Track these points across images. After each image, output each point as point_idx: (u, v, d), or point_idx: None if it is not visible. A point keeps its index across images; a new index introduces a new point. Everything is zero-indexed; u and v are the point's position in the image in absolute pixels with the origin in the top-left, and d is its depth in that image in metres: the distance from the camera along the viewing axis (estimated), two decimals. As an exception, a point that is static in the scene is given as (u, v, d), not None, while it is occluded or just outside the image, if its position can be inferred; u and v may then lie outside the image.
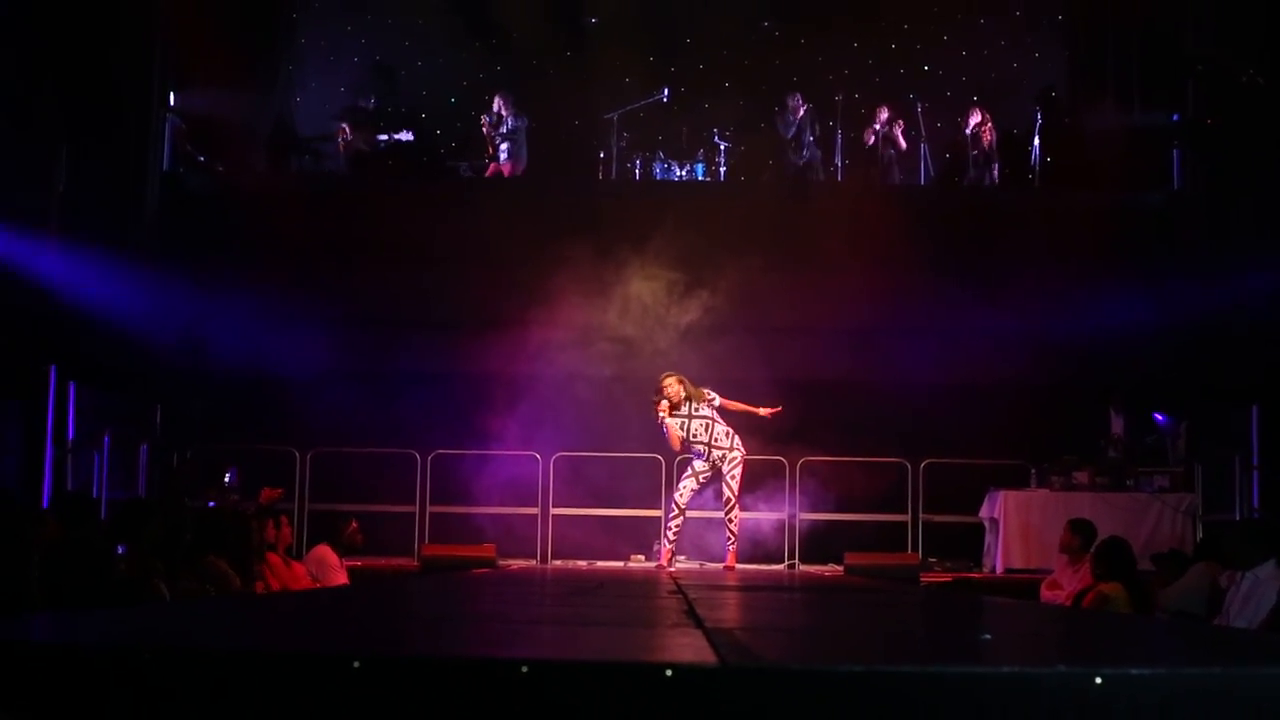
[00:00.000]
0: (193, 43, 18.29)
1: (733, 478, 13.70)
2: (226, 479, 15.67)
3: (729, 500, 13.75)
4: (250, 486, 15.48)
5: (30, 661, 3.07)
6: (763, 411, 13.97)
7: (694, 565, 15.11)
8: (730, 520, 13.82)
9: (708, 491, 14.75)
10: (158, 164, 18.21)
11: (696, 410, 13.64)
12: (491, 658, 3.14)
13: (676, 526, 13.97)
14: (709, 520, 15.86)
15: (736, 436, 13.83)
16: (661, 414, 13.56)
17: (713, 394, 13.80)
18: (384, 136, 19.95)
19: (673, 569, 13.49)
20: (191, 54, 18.42)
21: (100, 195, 17.09)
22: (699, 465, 13.79)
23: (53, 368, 14.75)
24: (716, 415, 13.73)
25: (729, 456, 13.69)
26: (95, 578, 7.82)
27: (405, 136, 19.99)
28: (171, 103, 18.82)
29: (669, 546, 14.03)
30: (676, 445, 13.74)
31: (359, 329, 17.68)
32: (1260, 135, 17.19)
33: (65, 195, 16.82)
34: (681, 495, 13.87)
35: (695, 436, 13.66)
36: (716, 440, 13.69)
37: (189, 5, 18.09)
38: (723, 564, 13.99)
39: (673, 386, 13.63)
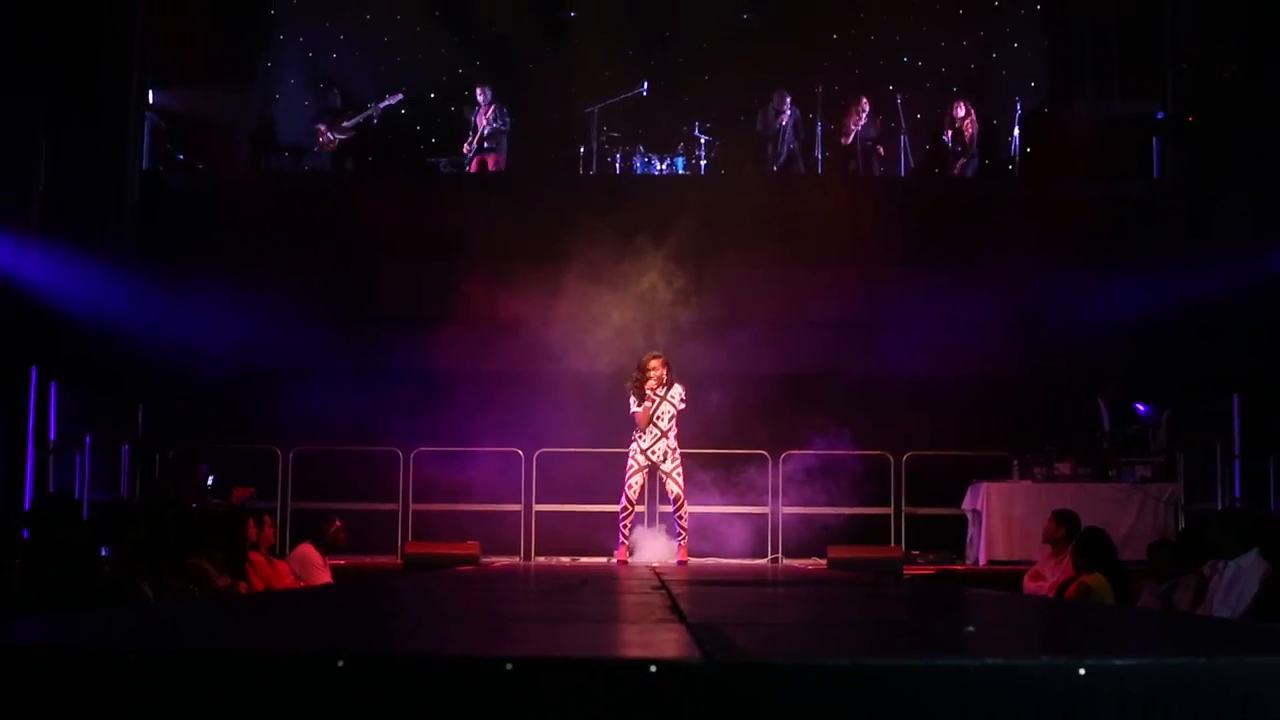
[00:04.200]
0: (171, 41, 18.29)
1: (678, 474, 14.02)
2: (210, 481, 15.64)
3: (678, 498, 14.05)
4: (227, 485, 15.49)
5: (14, 664, 3.06)
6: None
7: (708, 562, 15.21)
8: (681, 517, 14.12)
9: (710, 488, 15.15)
10: (137, 162, 18.20)
11: (670, 396, 13.88)
12: (476, 655, 3.14)
13: (630, 522, 14.27)
14: (722, 515, 16.34)
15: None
16: (653, 396, 13.84)
17: (683, 395, 14.01)
18: (370, 111, 19.86)
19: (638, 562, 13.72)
20: (170, 52, 18.43)
21: (81, 194, 17.08)
22: (640, 459, 13.99)
23: (34, 368, 14.70)
24: (677, 412, 13.95)
25: (674, 455, 13.97)
26: (79, 580, 7.80)
27: (392, 100, 19.94)
28: (151, 101, 18.78)
29: (625, 543, 14.26)
30: (643, 425, 13.92)
31: (340, 326, 17.65)
32: (1241, 129, 17.24)
33: (46, 194, 16.80)
34: (633, 489, 14.10)
35: (658, 422, 13.90)
36: (670, 433, 13.95)
37: (167, 4, 18.07)
38: (675, 559, 14.12)
39: (658, 370, 13.90)
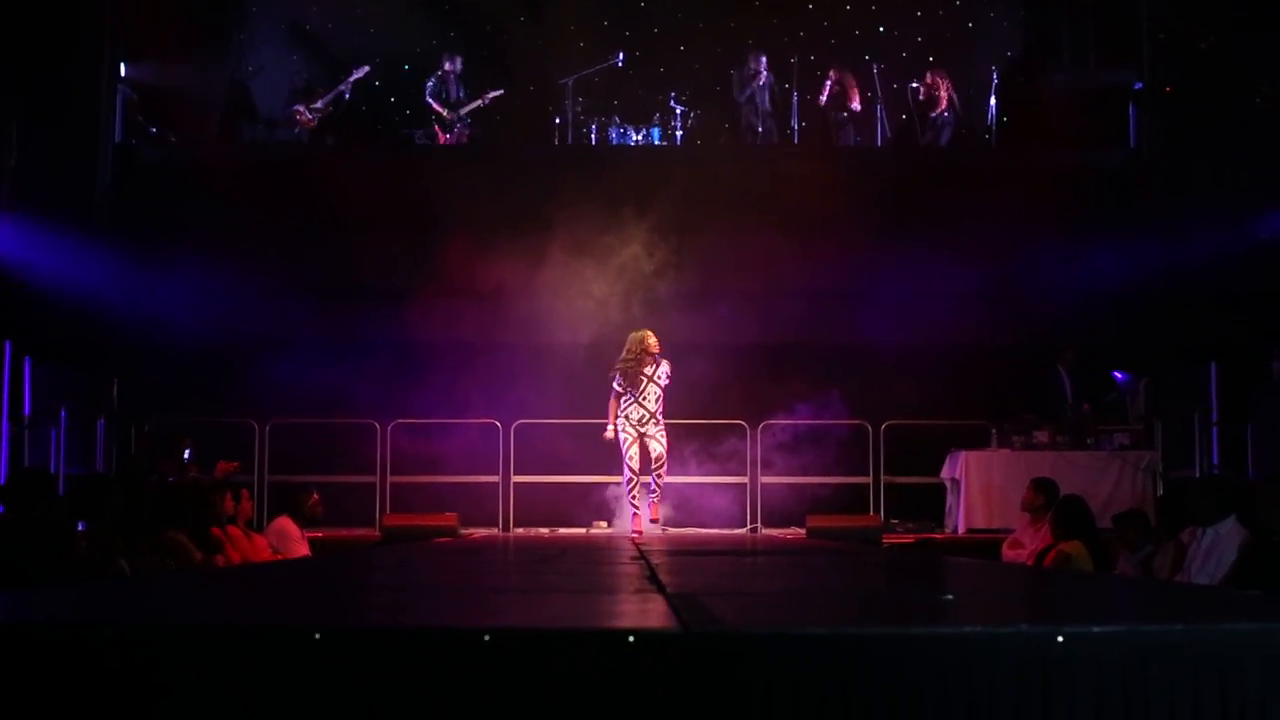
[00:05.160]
0: (143, 13, 18.15)
1: (661, 438, 14.30)
2: (186, 455, 15.59)
3: (660, 457, 14.29)
4: (208, 459, 15.44)
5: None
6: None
7: (687, 532, 15.31)
8: (659, 475, 14.37)
9: (690, 459, 15.99)
10: (110, 136, 18.08)
11: (655, 375, 14.07)
12: (453, 627, 3.14)
13: (637, 491, 14.42)
14: (702, 485, 16.49)
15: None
16: (652, 368, 14.14)
17: (668, 372, 14.24)
18: (341, 88, 19.73)
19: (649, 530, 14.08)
20: (141, 24, 18.28)
21: (52, 169, 16.97)
22: (631, 431, 14.25)
23: (7, 343, 14.63)
24: (662, 391, 14.20)
25: (657, 422, 14.27)
26: (55, 555, 7.78)
27: (360, 72, 19.80)
28: (122, 74, 18.67)
29: (636, 512, 14.42)
30: (612, 417, 14.34)
31: (315, 298, 17.57)
32: (1218, 99, 17.26)
33: (17, 169, 16.70)
34: (633, 461, 14.30)
35: (644, 402, 14.17)
36: (658, 411, 14.26)
37: (138, -24, 17.99)
38: (648, 518, 14.37)
39: (655, 346, 14.22)
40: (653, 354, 14.13)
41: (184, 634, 3.07)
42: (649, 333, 14.32)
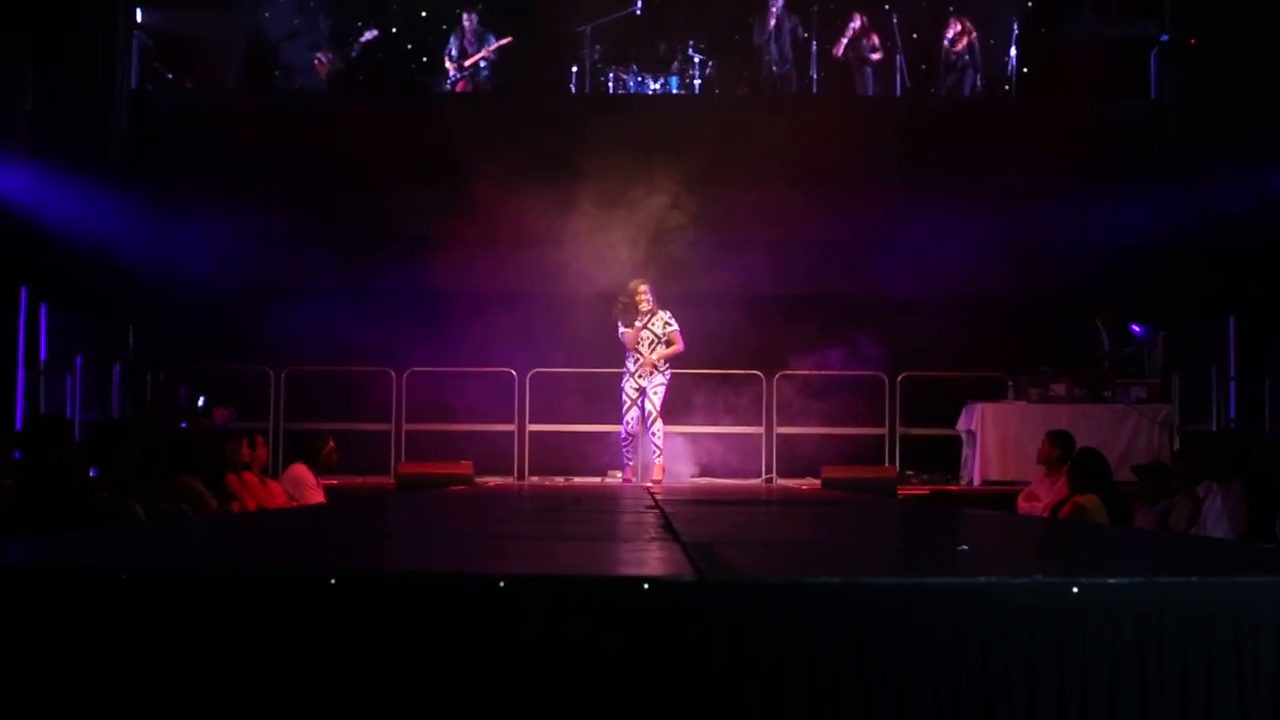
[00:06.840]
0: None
1: (656, 395, 14.67)
2: (200, 401, 15.62)
3: (652, 416, 14.66)
4: (213, 406, 15.54)
5: (8, 583, 3.06)
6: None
7: (702, 481, 15.44)
8: (655, 435, 14.72)
9: (705, 409, 16.29)
10: (125, 82, 18.05)
11: (650, 324, 14.53)
12: (469, 573, 3.15)
13: (631, 447, 14.97)
14: (717, 435, 16.61)
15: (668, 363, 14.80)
16: (648, 316, 14.61)
17: (671, 321, 14.63)
18: (352, 51, 19.73)
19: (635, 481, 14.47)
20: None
21: (68, 114, 16.97)
22: (632, 393, 14.67)
23: (23, 289, 14.66)
24: (660, 339, 14.59)
25: (657, 378, 14.64)
26: (70, 501, 7.80)
27: (369, 35, 19.77)
28: (138, 19, 18.63)
29: (630, 464, 14.99)
30: (631, 346, 14.71)
31: (332, 246, 17.55)
32: (1239, 50, 17.17)
33: (33, 115, 16.70)
34: (630, 424, 14.78)
35: (640, 347, 14.66)
36: (657, 360, 14.66)
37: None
38: (652, 479, 14.60)
39: (644, 296, 14.64)
40: (637, 305, 14.54)
41: (200, 578, 3.08)
42: (638, 282, 14.78)
